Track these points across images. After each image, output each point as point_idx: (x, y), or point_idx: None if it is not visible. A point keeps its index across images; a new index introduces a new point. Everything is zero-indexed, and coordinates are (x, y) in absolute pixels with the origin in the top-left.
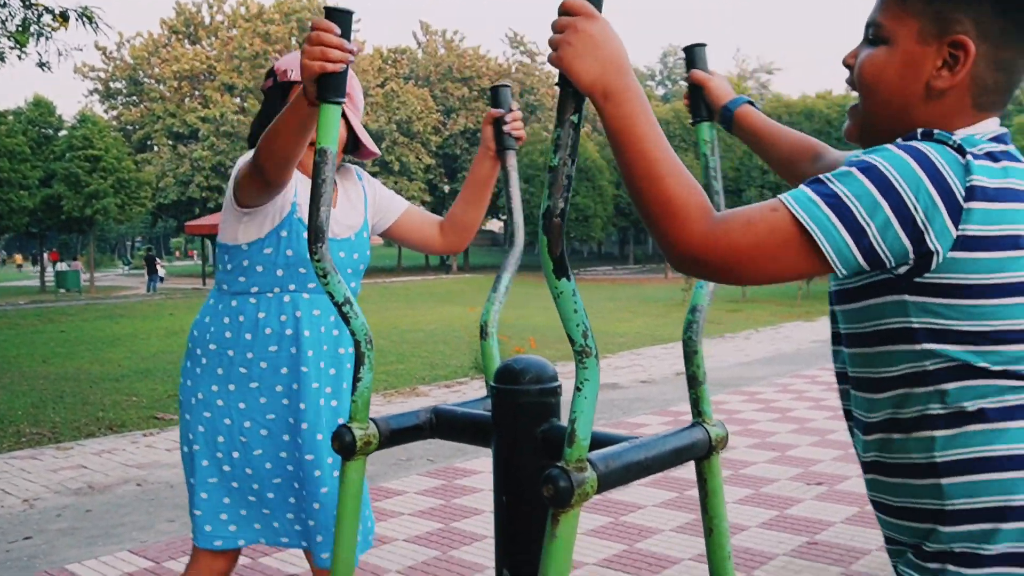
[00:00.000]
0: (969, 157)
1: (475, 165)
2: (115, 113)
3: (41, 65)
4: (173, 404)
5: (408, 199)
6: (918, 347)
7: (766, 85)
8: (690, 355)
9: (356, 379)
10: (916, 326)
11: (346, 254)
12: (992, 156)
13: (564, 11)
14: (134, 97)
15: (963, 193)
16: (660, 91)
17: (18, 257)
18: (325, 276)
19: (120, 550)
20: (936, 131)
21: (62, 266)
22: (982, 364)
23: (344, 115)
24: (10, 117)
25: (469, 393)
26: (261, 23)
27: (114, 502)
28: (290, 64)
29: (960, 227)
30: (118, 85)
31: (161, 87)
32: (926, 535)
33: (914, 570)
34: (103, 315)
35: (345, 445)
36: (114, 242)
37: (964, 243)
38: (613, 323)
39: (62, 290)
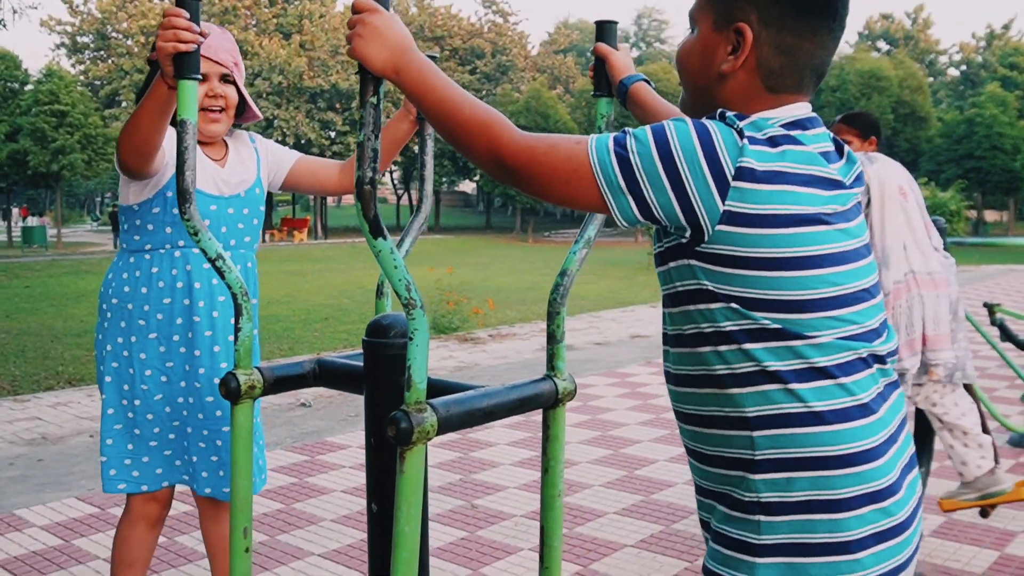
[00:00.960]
0: (745, 141)
1: (393, 122)
2: (82, 68)
3: None
4: None
5: None
6: (712, 307)
7: None
8: (552, 315)
9: (236, 329)
10: (708, 288)
11: (235, 210)
12: (773, 140)
13: (354, 10)
14: (102, 52)
15: (732, 172)
16: (635, 53)
17: None
18: (196, 234)
19: (68, 496)
20: (729, 113)
21: (32, 221)
22: (775, 327)
23: (235, 83)
24: None
25: None
26: None
27: (66, 452)
28: None
29: (727, 202)
30: (85, 39)
31: (129, 42)
32: (738, 483)
33: (726, 523)
34: (68, 271)
35: (231, 390)
36: (83, 198)
37: (732, 218)
38: (576, 286)
39: (28, 246)
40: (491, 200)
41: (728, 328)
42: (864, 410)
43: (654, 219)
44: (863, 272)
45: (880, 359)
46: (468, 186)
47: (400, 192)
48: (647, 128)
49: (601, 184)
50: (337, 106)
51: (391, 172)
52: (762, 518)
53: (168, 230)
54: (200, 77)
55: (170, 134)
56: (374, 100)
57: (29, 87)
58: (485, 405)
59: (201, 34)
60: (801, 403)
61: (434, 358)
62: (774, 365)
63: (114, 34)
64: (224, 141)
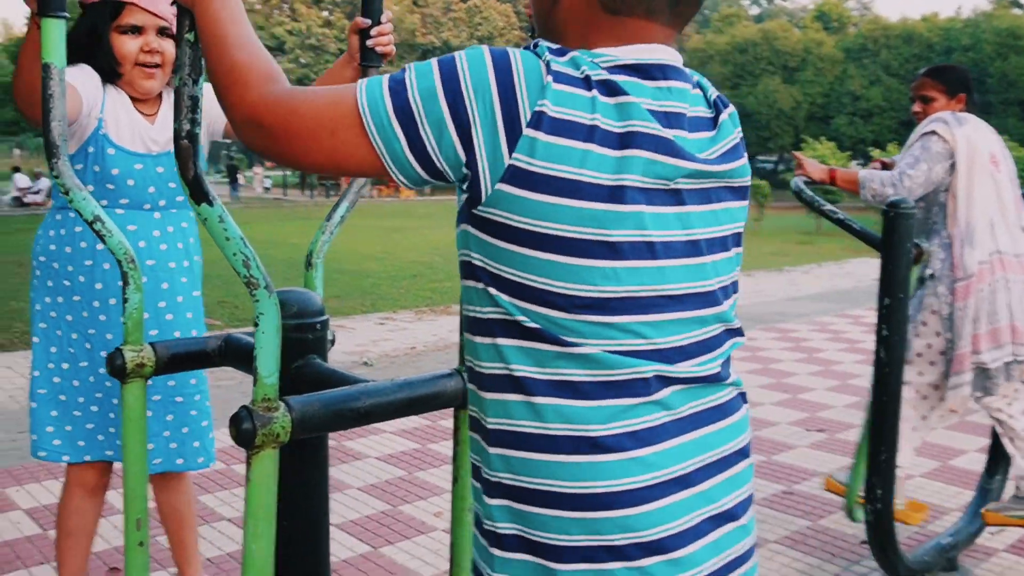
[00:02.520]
0: (551, 78)
1: (337, 68)
2: None
3: None
4: (220, 310)
5: None
6: (477, 286)
7: (868, 6)
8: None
9: (124, 300)
10: (475, 263)
11: (165, 168)
12: (588, 82)
13: None
14: None
15: (528, 117)
16: (755, 11)
17: None
18: (67, 193)
19: None
20: (543, 43)
21: None
22: (530, 325)
23: (171, 35)
24: None
25: None
26: None
27: None
28: None
29: (515, 155)
30: None
31: None
32: (480, 502)
33: (475, 543)
34: None
35: (115, 368)
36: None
37: (515, 175)
38: None
39: None
40: None
41: (487, 315)
42: (635, 440)
43: (437, 172)
44: (680, 274)
45: (681, 380)
46: None
47: None
48: (433, 60)
49: (371, 131)
50: None
51: None
52: (496, 552)
53: (89, 188)
54: (67, 16)
55: (88, 77)
56: (190, 37)
57: None
58: (360, 405)
59: None
60: (540, 422)
61: None
62: (522, 370)
63: None
64: (160, 94)
